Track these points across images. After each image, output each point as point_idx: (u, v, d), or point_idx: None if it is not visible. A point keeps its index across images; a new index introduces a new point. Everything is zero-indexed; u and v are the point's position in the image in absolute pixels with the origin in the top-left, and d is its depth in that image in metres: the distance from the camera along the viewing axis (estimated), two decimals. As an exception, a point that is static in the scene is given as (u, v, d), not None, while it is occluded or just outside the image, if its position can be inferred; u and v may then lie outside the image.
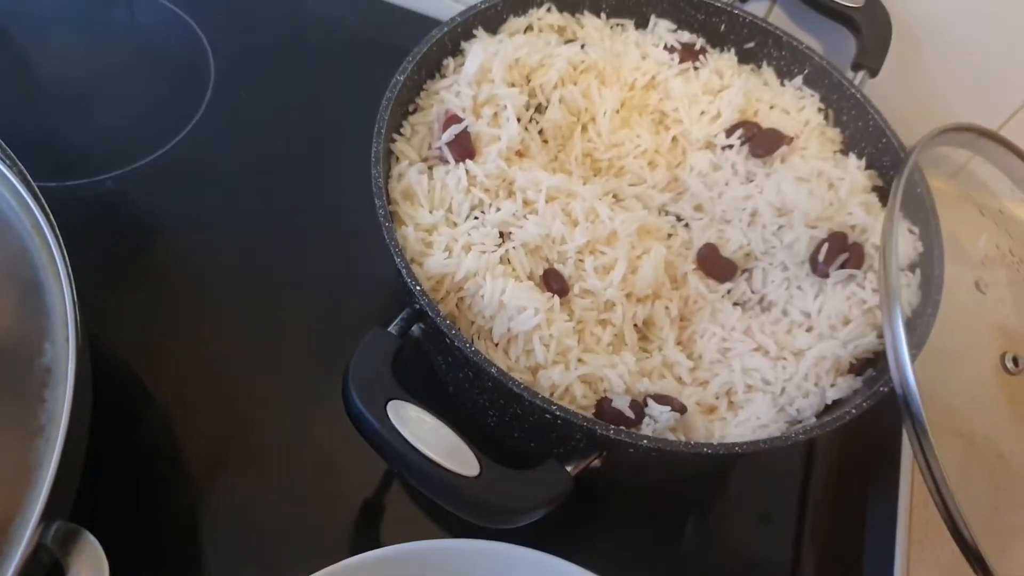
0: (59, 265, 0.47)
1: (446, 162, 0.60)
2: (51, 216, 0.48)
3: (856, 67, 0.71)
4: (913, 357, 0.55)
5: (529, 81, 0.65)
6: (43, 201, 0.49)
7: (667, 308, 0.60)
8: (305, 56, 0.84)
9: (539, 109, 0.66)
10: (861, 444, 0.67)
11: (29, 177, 0.50)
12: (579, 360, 0.55)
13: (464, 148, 0.60)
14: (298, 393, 0.64)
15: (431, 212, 0.57)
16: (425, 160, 0.61)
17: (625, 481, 0.65)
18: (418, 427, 0.45)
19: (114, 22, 0.84)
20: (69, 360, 0.43)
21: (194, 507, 0.58)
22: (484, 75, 0.62)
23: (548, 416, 0.49)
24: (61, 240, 0.48)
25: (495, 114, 0.62)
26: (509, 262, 0.57)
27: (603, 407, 0.54)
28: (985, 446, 0.62)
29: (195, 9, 0.84)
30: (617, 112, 0.66)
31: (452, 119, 0.60)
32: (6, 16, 0.82)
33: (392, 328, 0.51)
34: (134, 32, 0.83)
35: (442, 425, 0.46)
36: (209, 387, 0.64)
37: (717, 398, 0.58)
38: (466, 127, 0.60)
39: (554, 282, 0.56)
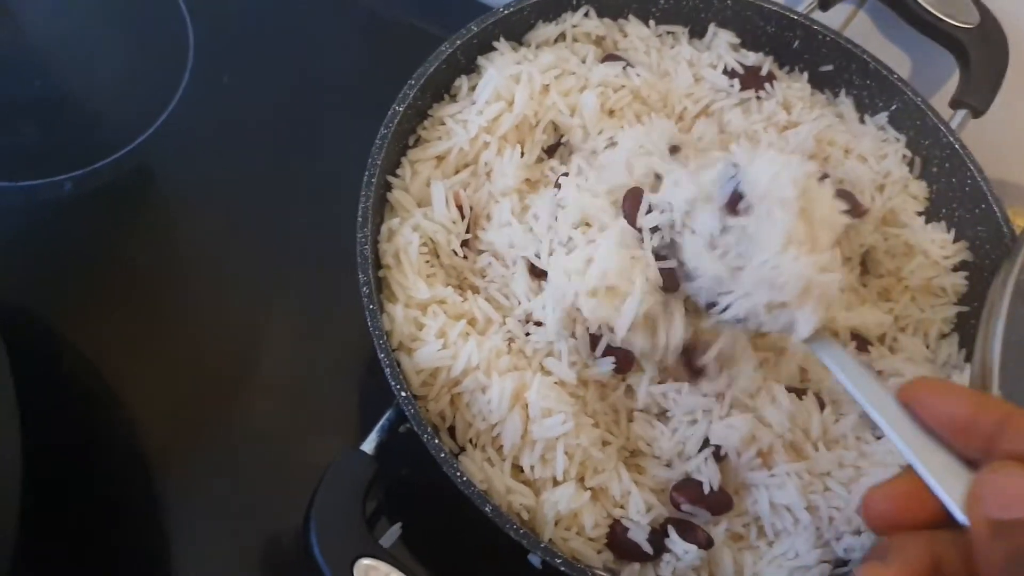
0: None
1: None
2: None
3: (956, 104, 0.58)
4: None
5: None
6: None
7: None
8: (302, 30, 0.71)
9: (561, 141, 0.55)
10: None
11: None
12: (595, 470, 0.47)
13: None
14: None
15: (427, 283, 0.48)
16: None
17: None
18: (389, 595, 0.38)
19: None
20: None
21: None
22: (501, 105, 0.52)
23: (551, 567, 0.42)
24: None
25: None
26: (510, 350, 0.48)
27: (616, 534, 0.46)
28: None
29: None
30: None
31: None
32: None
33: (367, 445, 0.43)
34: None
35: (417, 591, 0.38)
36: (181, 397, 0.57)
37: (745, 526, 0.49)
38: None
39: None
